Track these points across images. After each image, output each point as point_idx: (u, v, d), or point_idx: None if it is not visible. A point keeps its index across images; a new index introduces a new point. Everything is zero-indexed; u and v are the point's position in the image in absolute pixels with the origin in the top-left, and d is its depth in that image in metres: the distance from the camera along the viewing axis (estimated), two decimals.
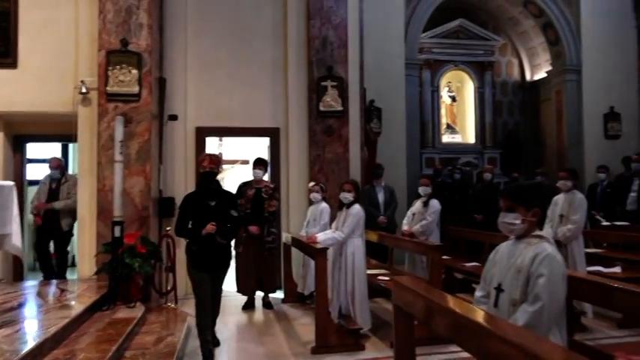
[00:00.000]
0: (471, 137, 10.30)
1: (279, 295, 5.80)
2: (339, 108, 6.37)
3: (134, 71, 5.37)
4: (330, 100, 6.37)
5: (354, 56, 6.60)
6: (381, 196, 6.55)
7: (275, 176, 6.44)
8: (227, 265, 3.82)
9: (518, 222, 2.20)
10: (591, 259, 5.18)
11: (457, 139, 10.36)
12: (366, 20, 7.26)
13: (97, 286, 4.80)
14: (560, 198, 4.85)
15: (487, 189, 7.33)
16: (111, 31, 5.41)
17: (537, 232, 2.19)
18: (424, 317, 2.23)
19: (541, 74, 9.97)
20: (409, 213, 5.55)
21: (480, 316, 1.86)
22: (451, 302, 2.03)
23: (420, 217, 5.32)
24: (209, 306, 3.67)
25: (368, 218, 6.37)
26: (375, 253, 6.02)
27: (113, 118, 5.19)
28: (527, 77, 10.48)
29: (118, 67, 5.35)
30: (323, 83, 6.36)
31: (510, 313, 2.15)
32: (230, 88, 6.38)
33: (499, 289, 2.22)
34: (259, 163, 5.50)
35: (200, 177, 3.82)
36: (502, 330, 1.65)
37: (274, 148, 6.55)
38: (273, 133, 6.56)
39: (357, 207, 4.35)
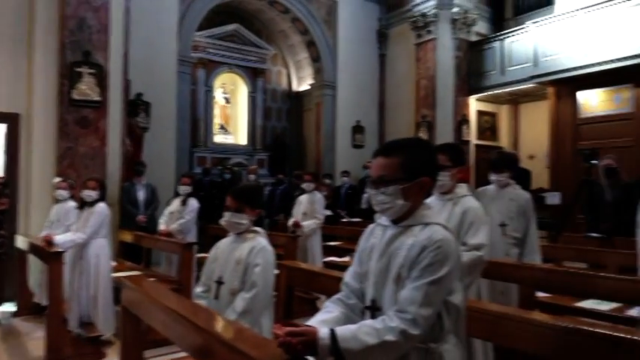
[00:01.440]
0: (242, 139, 10.74)
1: (9, 307, 5.01)
2: (97, 98, 5.86)
3: None
4: (86, 89, 5.81)
5: (116, 44, 6.15)
6: (141, 195, 6.27)
7: (12, 170, 5.55)
8: None
9: (245, 222, 2.43)
10: (329, 251, 5.99)
11: (229, 139, 10.68)
12: (134, 9, 6.88)
13: None
14: (303, 198, 5.47)
15: None
16: None
17: (253, 228, 2.45)
18: (144, 316, 2.24)
19: (305, 86, 11.04)
20: (166, 212, 5.47)
21: (189, 310, 1.96)
22: (166, 298, 2.09)
23: (178, 215, 5.29)
24: None
25: (126, 217, 6.09)
26: (131, 254, 5.74)
27: None
28: (294, 87, 11.48)
29: None
30: (78, 69, 5.76)
31: (230, 303, 2.34)
32: None
33: (220, 282, 2.39)
34: None
35: None
36: (198, 319, 1.77)
37: (12, 137, 5.64)
38: (11, 119, 5.64)
39: (101, 205, 4.09)
